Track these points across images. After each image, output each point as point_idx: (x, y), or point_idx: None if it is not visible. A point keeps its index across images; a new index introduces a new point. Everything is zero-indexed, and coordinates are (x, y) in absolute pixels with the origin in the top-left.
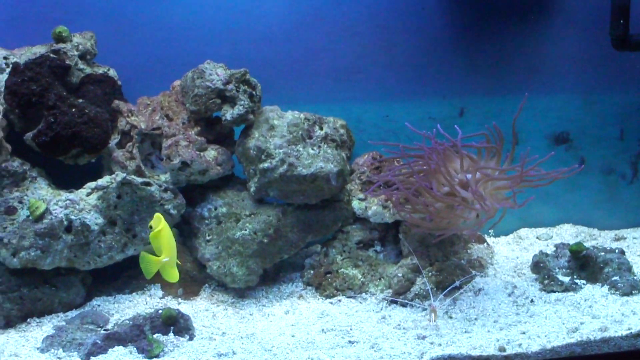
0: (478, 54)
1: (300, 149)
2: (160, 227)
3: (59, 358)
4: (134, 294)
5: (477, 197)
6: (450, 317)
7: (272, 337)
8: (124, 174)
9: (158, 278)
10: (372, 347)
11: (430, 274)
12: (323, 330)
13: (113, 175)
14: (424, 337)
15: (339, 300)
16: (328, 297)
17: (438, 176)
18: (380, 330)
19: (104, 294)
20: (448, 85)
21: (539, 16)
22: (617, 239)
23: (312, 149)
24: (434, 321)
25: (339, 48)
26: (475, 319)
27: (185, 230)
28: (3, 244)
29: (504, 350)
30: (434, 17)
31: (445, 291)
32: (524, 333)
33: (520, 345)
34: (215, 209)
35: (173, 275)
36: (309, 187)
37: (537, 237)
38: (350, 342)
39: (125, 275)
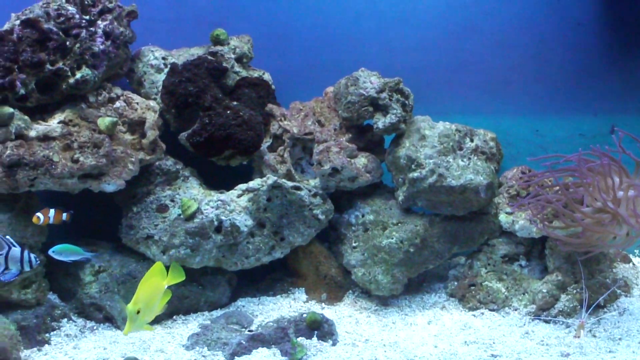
0: (632, 72)
1: (450, 160)
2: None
3: (203, 356)
4: (278, 296)
5: (631, 214)
6: (594, 336)
7: (414, 346)
8: (275, 177)
9: (302, 282)
10: None
11: (574, 291)
12: (465, 342)
13: (264, 178)
14: (567, 355)
15: (482, 313)
16: (471, 309)
17: (591, 191)
18: (523, 346)
19: (249, 295)
20: (600, 102)
21: None
22: None
23: (462, 161)
24: (580, 337)
25: (491, 60)
26: (620, 339)
27: (332, 236)
28: (154, 240)
29: None
30: (589, 34)
31: (590, 309)
32: None
33: None
34: (363, 216)
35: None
36: (457, 198)
37: None
38: (492, 355)
39: (270, 278)
